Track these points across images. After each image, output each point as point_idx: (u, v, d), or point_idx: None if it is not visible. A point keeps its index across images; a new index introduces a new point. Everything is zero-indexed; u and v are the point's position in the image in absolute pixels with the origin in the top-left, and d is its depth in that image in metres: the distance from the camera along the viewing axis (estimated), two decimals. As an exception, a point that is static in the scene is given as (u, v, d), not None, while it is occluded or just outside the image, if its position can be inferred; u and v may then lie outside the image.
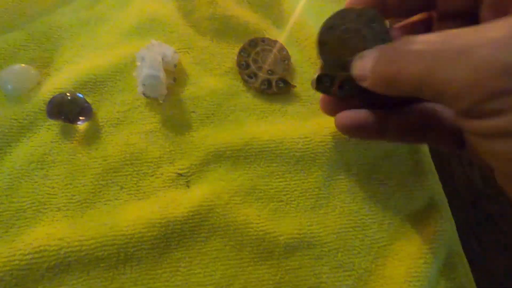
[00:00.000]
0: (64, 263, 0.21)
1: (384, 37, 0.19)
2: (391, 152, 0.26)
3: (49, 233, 0.22)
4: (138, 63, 0.26)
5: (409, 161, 0.26)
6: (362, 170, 0.25)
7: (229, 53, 0.30)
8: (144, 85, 0.25)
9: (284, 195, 0.24)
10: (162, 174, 0.24)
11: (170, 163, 0.25)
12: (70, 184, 0.24)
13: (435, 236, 0.23)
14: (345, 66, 0.20)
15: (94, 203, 0.23)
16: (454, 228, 0.25)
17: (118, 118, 0.26)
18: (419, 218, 0.24)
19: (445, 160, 0.28)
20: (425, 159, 0.26)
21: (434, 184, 0.25)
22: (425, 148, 0.27)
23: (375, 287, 0.22)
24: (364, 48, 0.18)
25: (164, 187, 0.24)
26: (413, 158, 0.26)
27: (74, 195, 0.23)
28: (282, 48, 0.30)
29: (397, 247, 0.23)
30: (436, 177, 0.26)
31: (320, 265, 0.22)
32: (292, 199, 0.24)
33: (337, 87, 0.21)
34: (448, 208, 0.25)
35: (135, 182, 0.24)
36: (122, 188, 0.24)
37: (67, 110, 0.25)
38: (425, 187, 0.25)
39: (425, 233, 0.23)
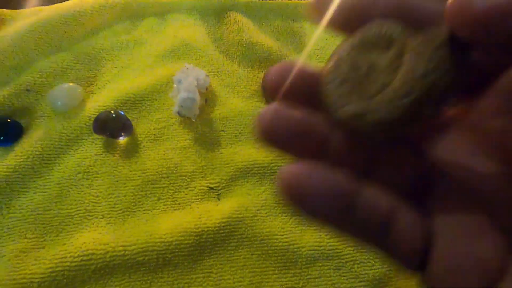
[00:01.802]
0: (109, 266, 0.23)
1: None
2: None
3: (95, 238, 0.24)
4: (175, 85, 0.29)
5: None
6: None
7: (254, 77, 0.33)
8: (181, 106, 0.28)
9: (305, 209, 0.27)
10: (195, 187, 0.27)
11: (202, 177, 0.27)
12: (113, 194, 0.26)
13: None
14: None
15: (134, 212, 0.26)
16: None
17: (155, 135, 0.29)
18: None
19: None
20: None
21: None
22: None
23: (388, 297, 0.24)
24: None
25: (197, 199, 0.26)
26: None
27: (116, 204, 0.26)
28: (302, 74, 0.33)
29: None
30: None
31: (338, 275, 0.25)
32: (313, 213, 0.27)
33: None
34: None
35: (171, 194, 0.27)
36: (159, 199, 0.26)
37: (111, 126, 0.27)
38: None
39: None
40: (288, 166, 0.10)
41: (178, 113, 0.29)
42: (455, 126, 0.12)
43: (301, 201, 0.10)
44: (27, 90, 0.29)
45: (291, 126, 0.11)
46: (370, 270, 0.25)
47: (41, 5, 0.35)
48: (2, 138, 0.27)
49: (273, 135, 0.11)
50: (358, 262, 0.25)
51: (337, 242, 0.26)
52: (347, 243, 0.26)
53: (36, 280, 0.22)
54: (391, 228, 0.11)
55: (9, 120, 0.27)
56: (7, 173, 0.25)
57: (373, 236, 0.11)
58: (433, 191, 0.12)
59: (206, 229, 0.25)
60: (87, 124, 0.28)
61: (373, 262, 0.25)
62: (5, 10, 0.33)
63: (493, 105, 0.11)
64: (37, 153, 0.26)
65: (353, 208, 0.11)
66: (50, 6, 0.34)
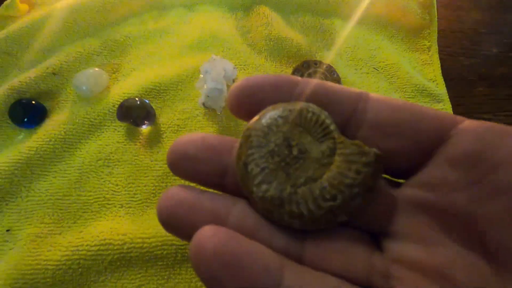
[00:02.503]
0: (126, 258, 0.22)
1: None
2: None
3: (113, 227, 0.23)
4: (201, 76, 0.28)
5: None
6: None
7: (282, 72, 0.32)
8: (208, 96, 0.27)
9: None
10: (217, 181, 0.26)
11: (225, 171, 0.26)
12: (133, 183, 0.25)
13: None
14: None
15: (154, 203, 0.25)
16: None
17: (178, 125, 0.28)
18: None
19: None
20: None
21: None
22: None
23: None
24: None
25: (219, 194, 0.25)
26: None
27: (136, 194, 0.25)
28: (333, 71, 0.32)
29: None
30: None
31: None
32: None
33: None
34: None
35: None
36: (180, 191, 0.25)
37: (135, 114, 0.26)
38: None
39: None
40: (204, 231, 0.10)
41: (203, 104, 0.28)
42: (405, 207, 0.11)
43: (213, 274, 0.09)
44: (53, 73, 0.29)
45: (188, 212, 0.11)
46: None
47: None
48: (26, 120, 0.26)
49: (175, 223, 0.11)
50: None
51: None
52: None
53: (51, 267, 0.21)
54: None
55: (33, 102, 0.27)
56: (29, 155, 0.25)
57: None
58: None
59: (228, 226, 0.23)
60: (110, 110, 0.28)
61: None
62: (36, -5, 0.33)
63: (450, 178, 0.10)
64: (59, 137, 0.26)
65: None
66: (80, -8, 0.34)
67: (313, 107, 0.12)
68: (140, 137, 0.27)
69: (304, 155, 0.11)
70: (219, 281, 0.09)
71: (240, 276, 0.09)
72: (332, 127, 0.11)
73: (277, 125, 0.11)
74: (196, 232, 0.09)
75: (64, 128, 0.26)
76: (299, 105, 0.11)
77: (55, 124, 0.26)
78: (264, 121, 0.11)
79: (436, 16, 0.35)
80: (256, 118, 0.12)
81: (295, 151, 0.11)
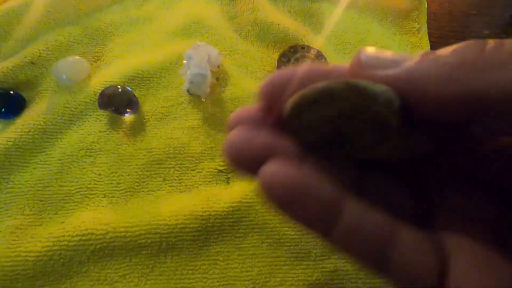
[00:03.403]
0: (109, 248, 0.21)
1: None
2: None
3: (95, 217, 0.22)
4: (185, 62, 0.28)
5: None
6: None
7: (269, 58, 0.31)
8: (191, 82, 0.26)
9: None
10: (203, 169, 0.25)
11: (211, 159, 0.26)
12: (116, 172, 0.25)
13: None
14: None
15: (138, 192, 0.24)
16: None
17: (162, 113, 0.27)
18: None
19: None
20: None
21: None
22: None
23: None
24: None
25: (205, 181, 0.25)
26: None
27: (119, 183, 0.24)
28: (320, 55, 0.31)
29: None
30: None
31: (356, 270, 0.23)
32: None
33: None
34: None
35: (177, 175, 0.25)
36: (164, 180, 0.25)
37: (117, 101, 0.26)
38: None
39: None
40: (270, 166, 0.09)
41: (188, 91, 0.27)
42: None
43: (281, 203, 0.10)
44: (32, 63, 0.28)
45: (259, 152, 0.10)
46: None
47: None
48: (3, 110, 0.25)
49: (243, 163, 0.10)
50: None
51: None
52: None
53: (31, 259, 0.21)
54: (391, 249, 0.10)
55: (11, 92, 0.26)
56: (6, 146, 0.24)
57: (369, 258, 0.10)
58: (436, 212, 0.11)
59: (213, 213, 0.23)
60: (92, 99, 0.27)
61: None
62: (14, -18, 0.32)
63: None
64: (38, 127, 0.25)
65: (336, 221, 0.10)
66: (59, -21, 0.33)
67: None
68: (123, 126, 0.26)
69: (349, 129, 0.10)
70: (288, 208, 0.09)
71: (305, 204, 0.09)
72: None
73: (328, 95, 0.10)
74: (265, 164, 0.10)
75: (43, 118, 0.25)
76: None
77: (34, 114, 0.26)
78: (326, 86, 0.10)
79: (426, -3, 0.34)
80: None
81: (340, 121, 0.10)
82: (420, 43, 0.32)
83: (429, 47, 0.32)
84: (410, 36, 0.33)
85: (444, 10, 0.36)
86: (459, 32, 0.35)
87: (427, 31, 0.33)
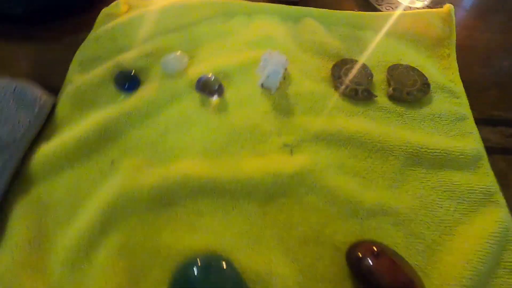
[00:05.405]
0: (202, 188, 0.28)
1: None
2: (457, 158, 0.31)
3: (192, 166, 0.29)
4: (261, 63, 0.36)
5: (472, 165, 0.31)
6: (431, 166, 0.31)
7: (324, 67, 0.39)
8: (268, 76, 0.34)
9: (366, 174, 0.30)
10: (272, 142, 0.32)
11: (278, 135, 0.32)
12: (206, 140, 0.32)
13: (495, 225, 0.27)
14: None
15: (222, 153, 0.31)
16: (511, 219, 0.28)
17: (240, 99, 0.35)
18: (480, 210, 0.29)
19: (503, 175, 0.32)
20: (486, 165, 0.31)
21: (493, 184, 0.30)
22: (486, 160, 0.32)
23: (443, 256, 0.26)
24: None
25: (274, 151, 0.31)
26: (477, 164, 0.31)
27: (208, 147, 0.31)
28: (366, 68, 0.38)
29: (461, 229, 0.28)
30: (494, 179, 0.30)
31: (396, 230, 0.27)
32: (373, 178, 0.30)
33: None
34: (505, 203, 0.29)
35: (252, 145, 0.32)
36: (242, 147, 0.31)
37: (210, 86, 0.34)
38: (485, 187, 0.30)
39: (486, 221, 0.28)
40: None
41: (262, 85, 0.35)
42: None
43: None
44: (146, 56, 0.37)
45: None
46: (426, 230, 0.27)
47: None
48: (126, 86, 0.34)
49: None
50: (414, 222, 0.28)
51: (395, 203, 0.29)
52: (404, 204, 0.29)
53: (146, 189, 0.27)
54: None
55: (132, 74, 0.35)
56: (128, 110, 0.32)
57: None
58: None
59: (282, 173, 0.29)
60: (189, 85, 0.35)
61: (428, 225, 0.28)
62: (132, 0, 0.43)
63: None
64: (150, 99, 0.33)
65: None
66: None
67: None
68: (211, 105, 0.34)
69: None
70: None
71: None
72: None
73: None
74: None
75: (154, 94, 0.34)
76: None
77: (147, 91, 0.34)
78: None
79: (455, 29, 0.41)
80: None
81: None
82: (450, 65, 0.39)
83: (457, 69, 0.39)
84: (441, 59, 0.40)
85: (468, 44, 0.43)
86: (481, 60, 0.41)
87: (455, 56, 0.40)
